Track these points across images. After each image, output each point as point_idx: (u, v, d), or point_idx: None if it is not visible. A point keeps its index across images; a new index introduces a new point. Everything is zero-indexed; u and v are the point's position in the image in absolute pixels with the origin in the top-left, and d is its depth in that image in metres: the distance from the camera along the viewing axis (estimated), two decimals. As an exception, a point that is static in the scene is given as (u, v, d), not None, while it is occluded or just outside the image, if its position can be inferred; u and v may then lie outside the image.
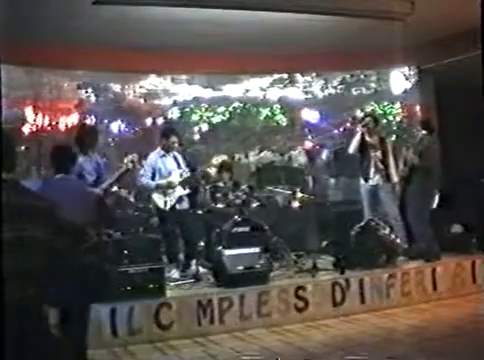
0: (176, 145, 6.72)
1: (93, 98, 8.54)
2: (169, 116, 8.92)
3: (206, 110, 9.08)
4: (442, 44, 8.45)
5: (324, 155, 9.43)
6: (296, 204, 7.57)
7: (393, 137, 9.10)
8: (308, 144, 9.55)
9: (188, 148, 8.36)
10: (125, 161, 5.64)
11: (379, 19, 7.15)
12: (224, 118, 9.16)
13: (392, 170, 7.13)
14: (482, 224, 7.09)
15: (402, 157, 7.14)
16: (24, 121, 7.95)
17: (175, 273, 6.39)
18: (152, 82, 8.91)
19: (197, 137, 9.08)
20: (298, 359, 4.66)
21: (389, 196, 7.10)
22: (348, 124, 9.46)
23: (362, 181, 7.25)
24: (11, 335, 2.09)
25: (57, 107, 8.27)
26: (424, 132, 6.99)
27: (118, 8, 6.43)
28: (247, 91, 9.33)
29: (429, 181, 6.91)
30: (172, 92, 8.97)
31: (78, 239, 3.45)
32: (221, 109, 9.15)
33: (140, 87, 8.85)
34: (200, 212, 7.08)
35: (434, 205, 7.13)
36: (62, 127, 8.19)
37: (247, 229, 6.55)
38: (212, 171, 7.59)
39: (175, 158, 6.70)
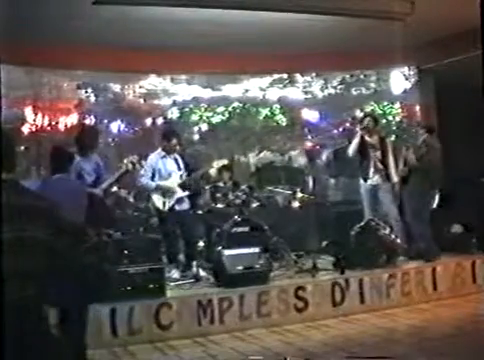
0: (177, 147, 6.73)
1: (93, 98, 8.53)
2: (169, 116, 8.89)
3: (206, 110, 9.06)
4: (442, 44, 8.44)
5: (324, 155, 9.42)
6: (296, 204, 7.58)
7: (393, 137, 9.09)
8: (308, 144, 9.54)
9: (187, 148, 8.34)
10: (125, 162, 5.64)
11: (379, 19, 7.14)
12: (224, 118, 9.13)
13: (392, 170, 7.14)
14: (482, 224, 7.09)
15: (402, 157, 7.15)
16: (24, 121, 7.94)
17: (175, 273, 6.38)
18: (152, 82, 8.89)
19: (197, 137, 9.06)
20: (298, 359, 4.66)
21: (389, 196, 7.10)
22: (348, 124, 9.45)
23: (362, 181, 7.25)
24: (11, 335, 2.08)
25: (57, 107, 8.26)
26: (425, 133, 6.99)
27: (118, 8, 6.43)
28: (247, 91, 9.31)
29: (429, 181, 6.92)
30: (172, 92, 8.95)
31: (78, 239, 3.44)
32: (221, 109, 9.11)
33: (140, 87, 8.83)
34: (200, 212, 7.09)
35: (434, 205, 7.14)
36: (62, 127, 8.18)
37: (247, 229, 6.55)
38: (212, 171, 7.58)
39: (176, 160, 6.71)
